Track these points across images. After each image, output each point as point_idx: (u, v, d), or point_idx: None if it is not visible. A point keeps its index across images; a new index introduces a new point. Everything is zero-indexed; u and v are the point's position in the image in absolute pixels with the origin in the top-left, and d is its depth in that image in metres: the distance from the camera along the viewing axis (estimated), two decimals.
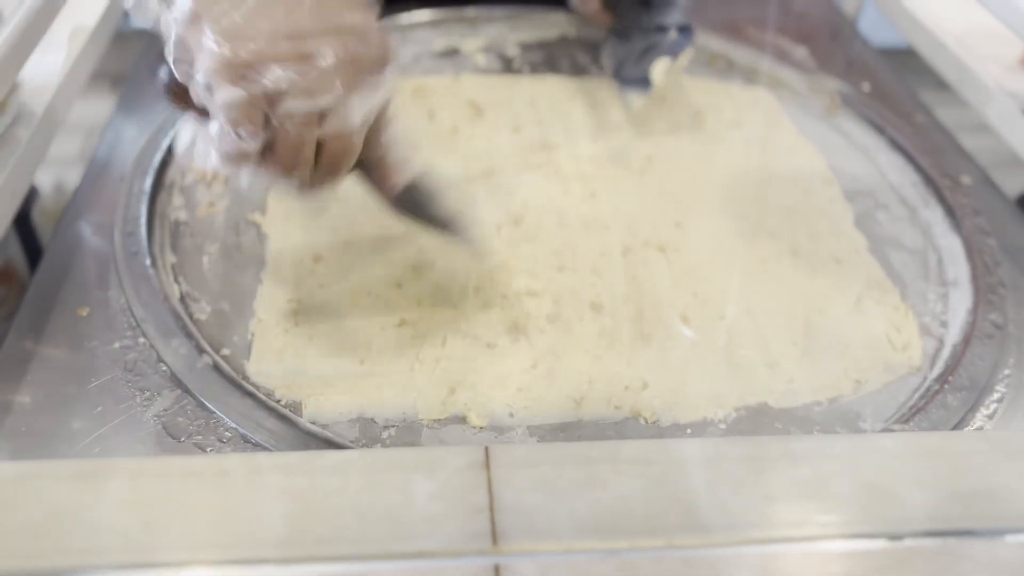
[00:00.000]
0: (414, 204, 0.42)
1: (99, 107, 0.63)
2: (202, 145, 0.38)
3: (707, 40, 0.72)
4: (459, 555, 0.25)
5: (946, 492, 0.28)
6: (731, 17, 0.77)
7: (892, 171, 0.61)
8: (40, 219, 0.77)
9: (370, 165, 0.40)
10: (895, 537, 0.26)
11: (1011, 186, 0.64)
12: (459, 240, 0.43)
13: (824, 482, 0.29)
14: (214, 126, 0.36)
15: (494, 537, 0.26)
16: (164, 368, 0.41)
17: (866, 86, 0.69)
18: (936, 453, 0.30)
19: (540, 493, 0.28)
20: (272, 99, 0.34)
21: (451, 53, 0.70)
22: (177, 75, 0.37)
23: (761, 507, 0.27)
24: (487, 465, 0.28)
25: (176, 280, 0.46)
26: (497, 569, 0.25)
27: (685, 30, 0.62)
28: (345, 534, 0.26)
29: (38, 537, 0.26)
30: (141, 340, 0.42)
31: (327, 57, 0.35)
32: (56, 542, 0.26)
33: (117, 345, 0.42)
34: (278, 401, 0.41)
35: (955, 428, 0.41)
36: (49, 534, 0.26)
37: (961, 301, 0.49)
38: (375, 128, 0.39)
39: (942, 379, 0.44)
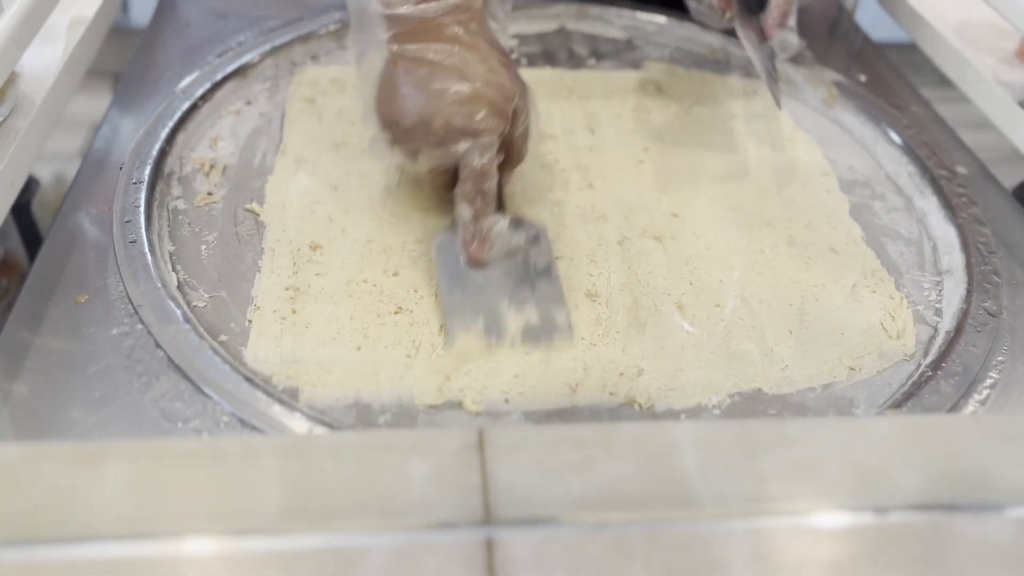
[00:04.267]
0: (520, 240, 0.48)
1: (101, 105, 0.64)
2: None
3: (705, 33, 0.72)
4: (451, 528, 0.25)
5: (937, 472, 0.29)
6: None
7: (888, 162, 0.61)
8: (40, 211, 0.77)
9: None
10: (885, 513, 0.27)
11: (1008, 178, 0.64)
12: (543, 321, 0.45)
13: (816, 462, 0.29)
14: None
15: (487, 513, 0.26)
16: (161, 354, 0.41)
17: (863, 78, 0.69)
18: (928, 435, 0.30)
19: (534, 473, 0.28)
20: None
21: None
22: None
23: (753, 485, 0.27)
24: (481, 446, 0.29)
25: (174, 268, 0.47)
26: (489, 543, 0.25)
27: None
28: (339, 512, 0.26)
29: (36, 517, 0.26)
30: (139, 327, 0.42)
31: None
32: (54, 522, 0.26)
33: (115, 332, 0.42)
34: (275, 387, 0.41)
35: (948, 413, 0.42)
36: (47, 514, 0.26)
37: (955, 289, 0.49)
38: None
39: (935, 366, 0.44)
